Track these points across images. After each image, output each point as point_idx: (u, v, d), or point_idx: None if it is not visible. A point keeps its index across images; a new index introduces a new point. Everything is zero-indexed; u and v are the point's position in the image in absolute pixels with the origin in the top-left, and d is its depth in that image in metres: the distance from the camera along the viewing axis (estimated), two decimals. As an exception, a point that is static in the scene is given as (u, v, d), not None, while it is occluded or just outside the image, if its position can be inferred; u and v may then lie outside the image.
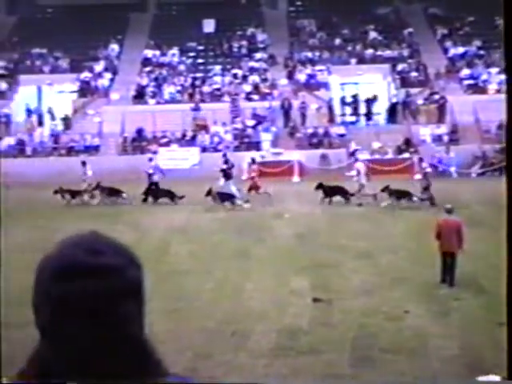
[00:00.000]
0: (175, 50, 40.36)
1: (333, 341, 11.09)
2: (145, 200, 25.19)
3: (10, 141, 35.61)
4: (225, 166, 25.96)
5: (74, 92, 38.39)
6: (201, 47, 41.31)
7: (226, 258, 16.34)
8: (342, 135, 35.03)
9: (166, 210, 23.59)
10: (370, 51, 39.55)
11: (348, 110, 37.43)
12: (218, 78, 38.74)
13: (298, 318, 12.30)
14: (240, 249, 17.39)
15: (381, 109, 36.98)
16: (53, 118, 37.33)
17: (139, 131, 35.51)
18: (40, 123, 37.19)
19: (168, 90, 37.99)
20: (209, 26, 41.87)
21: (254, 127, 35.62)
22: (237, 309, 12.72)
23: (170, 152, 34.21)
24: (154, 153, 34.04)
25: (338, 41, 40.63)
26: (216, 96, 37.57)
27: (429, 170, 25.20)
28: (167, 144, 34.96)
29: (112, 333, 1.44)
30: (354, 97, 37.35)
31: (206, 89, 38.08)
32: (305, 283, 14.48)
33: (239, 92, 37.71)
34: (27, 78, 38.70)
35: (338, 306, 12.83)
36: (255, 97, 37.36)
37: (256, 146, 34.63)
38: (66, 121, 36.68)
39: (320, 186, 24.28)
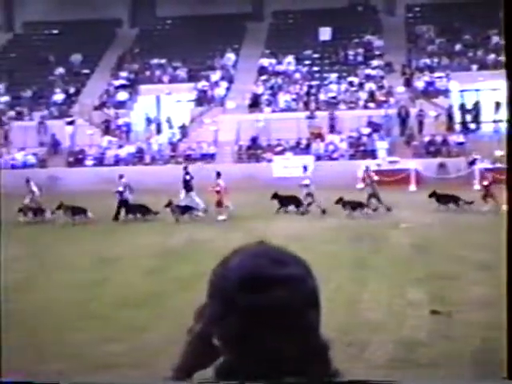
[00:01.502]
0: (291, 59, 40.41)
1: (453, 354, 10.64)
2: (116, 218, 24.51)
3: (129, 149, 36.68)
4: (188, 177, 25.67)
5: (191, 101, 39.12)
6: (316, 55, 41.20)
7: (342, 268, 16.08)
8: (461, 143, 34.01)
9: (282, 218, 23.58)
10: (492, 56, 38.24)
11: (468, 117, 36.31)
12: (333, 86, 38.51)
13: (416, 330, 11.90)
14: (356, 258, 17.08)
15: (503, 116, 35.66)
16: (170, 126, 38.18)
17: (254, 139, 35.75)
18: (158, 132, 38.12)
19: (283, 98, 38.07)
20: (325, 33, 41.71)
21: (369, 135, 35.15)
22: (353, 319, 12.45)
23: (285, 160, 34.22)
24: (269, 161, 34.24)
25: (458, 46, 39.53)
26: (332, 104, 37.35)
27: (376, 178, 25.23)
28: (282, 152, 35.00)
29: (299, 340, 1.49)
30: (475, 104, 36.21)
31: (321, 97, 37.93)
32: (422, 294, 14.03)
33: (355, 100, 37.36)
34: (147, 88, 39.79)
35: (458, 319, 12.33)
36: (371, 104, 36.87)
37: (371, 154, 34.16)
38: (183, 129, 37.42)
39: (275, 196, 24.64)
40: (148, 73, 41.24)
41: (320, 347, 1.53)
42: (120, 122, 38.12)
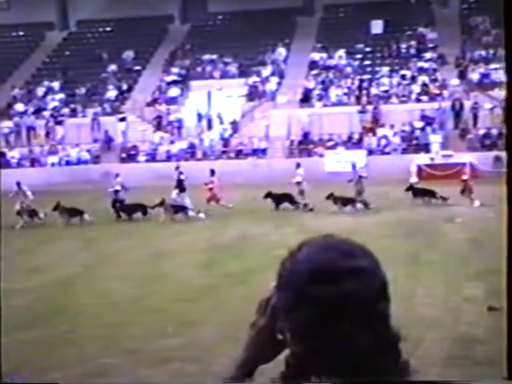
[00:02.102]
0: (342, 53, 40.08)
1: (512, 352, 10.36)
2: (119, 216, 24.38)
3: (181, 145, 36.88)
4: (183, 177, 25.17)
5: (242, 96, 39.12)
6: (368, 49, 40.79)
7: (397, 263, 15.81)
8: (517, 136, 33.27)
9: (334, 213, 23.40)
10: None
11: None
12: (385, 80, 38.08)
13: (473, 327, 11.66)
14: (410, 253, 16.85)
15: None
16: (221, 122, 38.25)
17: (306, 134, 35.59)
18: (209, 127, 38.22)
19: (335, 92, 37.80)
20: (377, 27, 41.28)
21: (422, 129, 34.66)
22: (408, 314, 12.24)
23: (337, 155, 33.99)
24: (321, 156, 33.98)
25: (514, 37, 38.72)
26: (384, 98, 36.94)
27: (364, 174, 24.95)
28: (334, 147, 34.77)
29: (371, 332, 1.49)
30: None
31: (373, 91, 37.54)
32: (479, 290, 13.75)
33: (407, 93, 36.90)
34: (198, 84, 39.94)
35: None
36: (424, 98, 36.35)
37: (425, 148, 33.69)
38: (234, 125, 37.44)
39: (269, 195, 24.49)
40: (199, 68, 41.39)
41: (391, 337, 1.53)
42: (172, 117, 38.34)
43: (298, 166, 25.85)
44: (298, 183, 24.94)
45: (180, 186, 25.01)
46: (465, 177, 24.96)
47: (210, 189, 24.53)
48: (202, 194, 24.58)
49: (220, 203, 24.60)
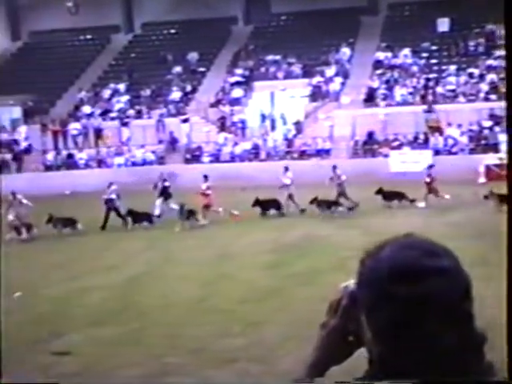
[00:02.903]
0: (407, 51, 39.55)
1: None
2: (104, 227, 23.41)
3: (245, 145, 36.94)
4: (167, 184, 24.60)
5: (306, 97, 38.96)
6: (434, 47, 40.14)
7: (465, 264, 15.47)
8: None
9: (399, 214, 23.06)
10: None
11: None
12: (452, 79, 37.39)
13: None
14: (479, 255, 16.44)
15: None
16: (285, 122, 38.17)
17: (370, 134, 35.23)
18: (272, 128, 38.18)
19: (400, 92, 37.31)
20: (443, 25, 40.59)
21: (490, 128, 33.90)
22: (478, 317, 11.96)
23: (402, 155, 33.54)
24: (386, 156, 33.61)
25: None
26: (450, 97, 36.29)
27: (344, 177, 24.48)
28: (399, 147, 34.32)
29: (457, 331, 1.47)
30: None
31: (439, 90, 36.91)
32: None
33: (475, 92, 36.15)
34: (261, 85, 39.95)
35: None
36: (493, 96, 35.54)
37: (494, 148, 32.91)
38: (298, 125, 37.32)
39: (257, 202, 24.20)
40: (263, 69, 41.40)
41: (476, 338, 1.50)
42: (235, 118, 38.45)
43: (287, 169, 25.52)
44: (287, 187, 24.68)
45: (165, 193, 24.61)
46: (428, 179, 24.65)
47: (207, 195, 24.04)
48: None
49: (211, 209, 24.04)
